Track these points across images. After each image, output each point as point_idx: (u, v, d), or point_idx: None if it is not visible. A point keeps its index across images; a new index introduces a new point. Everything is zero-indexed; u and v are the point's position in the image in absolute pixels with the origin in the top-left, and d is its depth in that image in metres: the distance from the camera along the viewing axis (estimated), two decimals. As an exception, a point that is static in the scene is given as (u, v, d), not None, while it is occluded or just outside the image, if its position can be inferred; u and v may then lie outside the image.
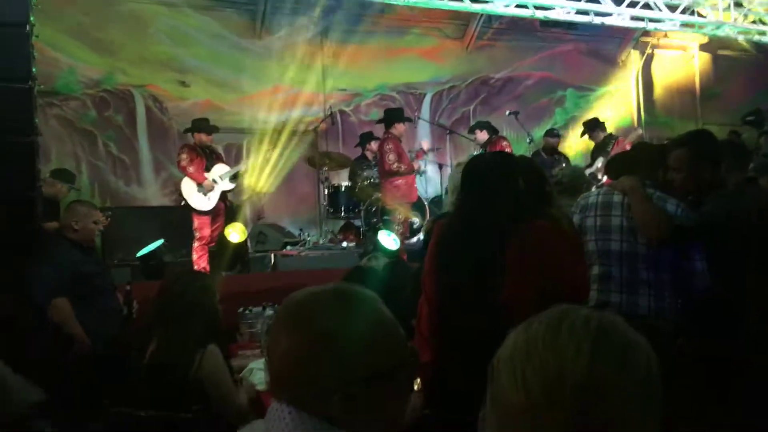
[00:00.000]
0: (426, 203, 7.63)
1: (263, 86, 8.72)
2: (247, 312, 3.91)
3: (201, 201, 6.16)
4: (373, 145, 7.57)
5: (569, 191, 3.54)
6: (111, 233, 6.10)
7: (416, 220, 7.50)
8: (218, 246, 6.40)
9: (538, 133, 8.83)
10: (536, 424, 0.72)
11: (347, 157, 7.98)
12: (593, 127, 7.78)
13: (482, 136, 7.52)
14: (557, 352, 0.74)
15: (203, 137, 6.32)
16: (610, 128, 9.83)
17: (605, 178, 5.49)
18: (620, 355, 0.75)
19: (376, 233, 5.92)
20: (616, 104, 10.88)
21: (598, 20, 8.08)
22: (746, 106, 10.08)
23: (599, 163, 7.18)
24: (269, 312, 3.71)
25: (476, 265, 2.24)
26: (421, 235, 6.89)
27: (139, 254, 5.78)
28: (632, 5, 7.97)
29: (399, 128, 6.69)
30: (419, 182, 8.04)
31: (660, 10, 8.12)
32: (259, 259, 6.76)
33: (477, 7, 7.69)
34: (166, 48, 8.26)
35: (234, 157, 8.18)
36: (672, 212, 2.66)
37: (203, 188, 6.13)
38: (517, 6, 7.69)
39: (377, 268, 3.73)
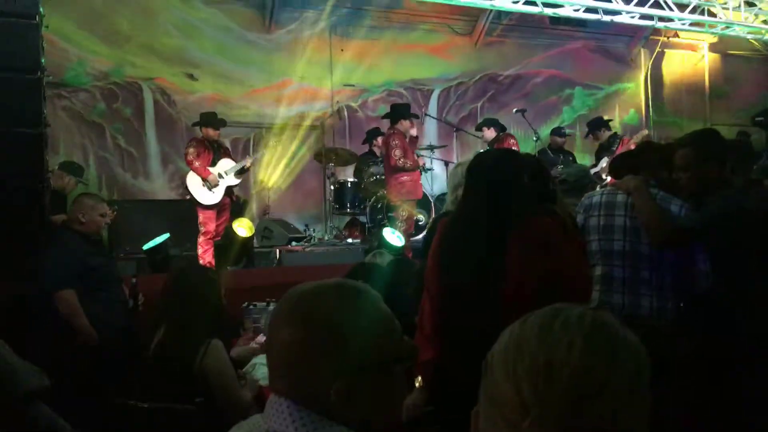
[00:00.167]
0: (432, 200, 7.63)
1: (271, 80, 8.73)
2: (251, 307, 3.92)
3: (206, 195, 6.18)
4: (380, 141, 7.56)
5: (574, 190, 3.54)
6: (118, 226, 6.14)
7: (422, 218, 7.50)
8: (224, 240, 6.42)
9: (546, 131, 8.81)
10: (528, 420, 0.73)
11: (354, 153, 7.99)
12: (597, 126, 7.74)
13: (490, 133, 7.50)
14: (549, 348, 0.74)
15: (210, 131, 6.32)
16: (618, 127, 9.82)
17: (610, 178, 5.47)
18: (612, 351, 0.75)
19: (381, 230, 5.92)
20: (625, 103, 10.84)
21: (607, 18, 8.04)
22: (756, 107, 10.04)
23: (604, 162, 7.15)
24: (273, 307, 3.71)
25: (478, 262, 2.24)
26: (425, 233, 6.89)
27: (145, 247, 5.82)
28: (641, 3, 7.93)
29: (405, 124, 6.67)
30: (425, 179, 8.04)
31: (670, 9, 8.07)
32: (265, 254, 6.79)
33: (486, 3, 7.67)
34: (175, 40, 8.28)
35: (241, 151, 8.21)
36: (675, 212, 2.66)
37: (208, 183, 6.15)
38: (526, 2, 7.66)
39: (381, 264, 3.73)
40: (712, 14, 8.41)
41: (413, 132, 6.75)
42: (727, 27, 8.57)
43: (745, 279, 2.59)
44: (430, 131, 9.35)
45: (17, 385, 2.01)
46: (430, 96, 9.71)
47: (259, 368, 2.90)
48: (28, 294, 3.77)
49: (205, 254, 6.14)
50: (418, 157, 7.02)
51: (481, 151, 6.56)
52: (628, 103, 10.85)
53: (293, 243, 7.11)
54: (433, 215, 7.27)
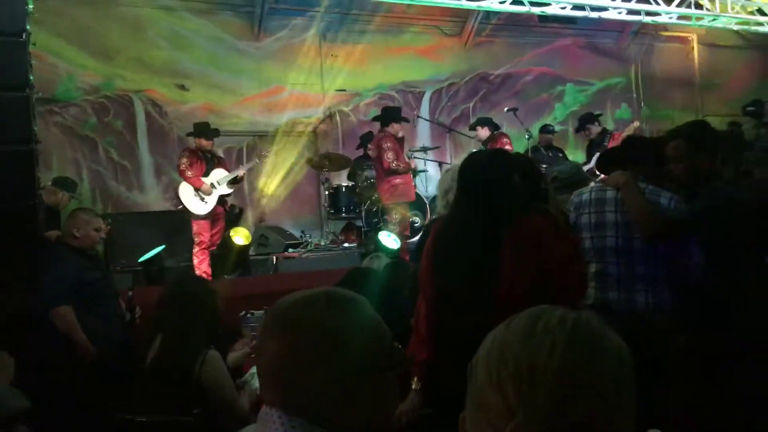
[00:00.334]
0: (427, 202, 7.63)
1: (262, 88, 8.74)
2: (249, 315, 3.91)
3: (198, 205, 6.18)
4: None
5: (567, 188, 3.54)
6: (113, 239, 6.13)
7: (418, 220, 7.51)
8: (221, 250, 6.42)
9: (538, 128, 8.83)
10: (513, 423, 0.73)
11: (347, 158, 7.99)
12: (588, 121, 7.77)
13: (484, 132, 7.51)
14: (531, 351, 0.75)
15: (203, 142, 6.34)
16: (610, 122, 9.84)
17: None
18: (594, 352, 0.76)
19: (377, 233, 5.93)
20: (617, 98, 10.87)
21: (594, 14, 8.07)
22: (746, 97, 10.06)
23: (596, 158, 7.17)
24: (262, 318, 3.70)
25: (472, 263, 2.25)
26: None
27: (140, 259, 5.81)
28: (628, -2, 7.96)
29: (395, 128, 6.69)
30: (419, 181, 8.05)
31: (657, 3, 8.10)
32: (261, 261, 6.78)
33: (473, 4, 7.69)
34: (165, 52, 8.28)
35: (234, 160, 8.20)
36: (665, 205, 2.66)
37: (201, 192, 6.15)
38: (513, 2, 7.69)
39: (378, 268, 3.73)
40: (699, 6, 8.44)
41: (400, 133, 6.78)
42: (714, 19, 8.60)
43: (738, 271, 2.60)
44: (423, 133, 9.37)
45: (2, 409, 2.01)
46: (422, 98, 9.73)
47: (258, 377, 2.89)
48: (25, 311, 3.76)
49: (201, 264, 6.13)
50: (408, 159, 7.03)
51: (474, 151, 6.57)
52: (620, 98, 10.89)
53: (290, 250, 7.10)
54: (429, 216, 7.28)
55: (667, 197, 2.68)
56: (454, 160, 8.27)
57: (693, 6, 8.37)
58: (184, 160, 6.25)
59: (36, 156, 3.97)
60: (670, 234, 2.62)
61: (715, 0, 8.29)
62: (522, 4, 7.71)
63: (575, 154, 8.95)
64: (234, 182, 6.45)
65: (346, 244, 7.45)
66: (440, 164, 8.25)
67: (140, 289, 4.58)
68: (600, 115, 8.19)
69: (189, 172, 6.17)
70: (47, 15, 7.09)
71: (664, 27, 9.87)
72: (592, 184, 2.99)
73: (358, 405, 1.02)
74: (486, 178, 2.34)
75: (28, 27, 3.98)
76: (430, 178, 8.37)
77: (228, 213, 6.75)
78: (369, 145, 7.85)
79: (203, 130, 6.38)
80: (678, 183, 2.79)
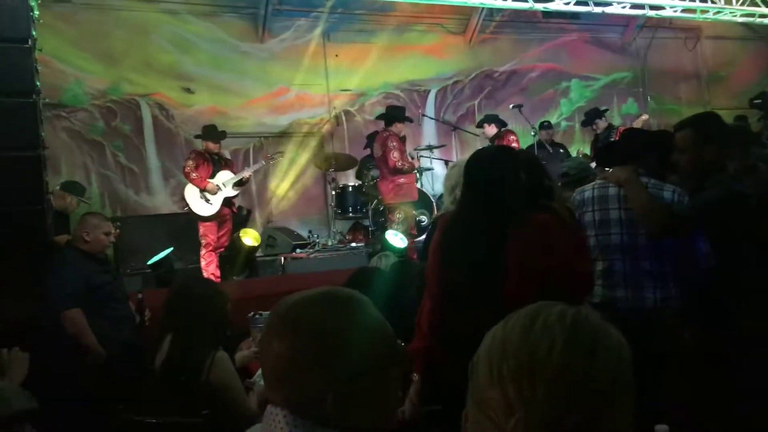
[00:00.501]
0: (434, 200, 7.63)
1: (267, 90, 8.76)
2: (257, 316, 3.93)
3: (203, 207, 6.22)
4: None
5: (577, 183, 3.52)
6: (122, 242, 6.17)
7: (425, 218, 7.51)
8: (229, 251, 6.45)
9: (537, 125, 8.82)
10: (513, 421, 0.74)
11: (353, 158, 8.01)
12: (595, 116, 7.76)
13: (491, 129, 7.51)
14: (531, 349, 0.75)
15: (210, 144, 6.39)
16: (617, 117, 9.81)
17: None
18: (593, 349, 0.76)
19: (384, 233, 5.93)
20: (623, 92, 10.81)
21: (598, 9, 8.04)
22: (753, 89, 10.01)
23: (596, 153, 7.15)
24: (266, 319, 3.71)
25: (478, 260, 2.25)
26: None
27: (149, 262, 5.85)
28: (632, -7, 7.93)
29: (399, 127, 6.71)
30: (426, 179, 8.05)
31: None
32: (269, 262, 6.80)
33: (477, 2, 7.69)
34: (170, 56, 8.33)
35: (241, 161, 8.24)
36: (669, 199, 2.64)
37: (206, 192, 6.19)
38: (516, -2, 7.68)
39: (385, 267, 3.73)
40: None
41: (402, 133, 6.81)
42: (719, 12, 8.55)
43: (743, 266, 2.58)
44: (428, 131, 9.36)
45: (4, 407, 2.03)
46: (427, 96, 9.72)
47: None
48: (34, 315, 3.80)
49: (209, 266, 6.17)
50: (412, 159, 7.04)
51: (479, 148, 6.56)
52: (626, 93, 10.83)
53: (297, 250, 7.12)
54: (435, 214, 7.28)
55: (670, 191, 2.67)
56: (455, 161, 8.26)
57: (697, -1, 8.33)
58: (190, 162, 6.30)
59: (44, 161, 4.00)
60: (676, 231, 2.60)
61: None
62: (525, 0, 7.69)
63: (582, 149, 8.94)
64: (240, 184, 6.48)
65: (353, 244, 7.46)
66: (446, 162, 8.24)
67: (149, 292, 4.61)
68: (606, 110, 8.16)
69: (194, 174, 6.21)
70: (53, 21, 7.15)
71: (669, 20, 9.80)
72: (597, 180, 2.97)
73: (362, 404, 1.02)
74: (491, 175, 2.34)
75: (33, 33, 4.02)
76: (436, 177, 8.37)
77: (236, 215, 6.77)
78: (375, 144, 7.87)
79: (209, 133, 6.42)
80: (683, 174, 2.76)
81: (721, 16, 8.75)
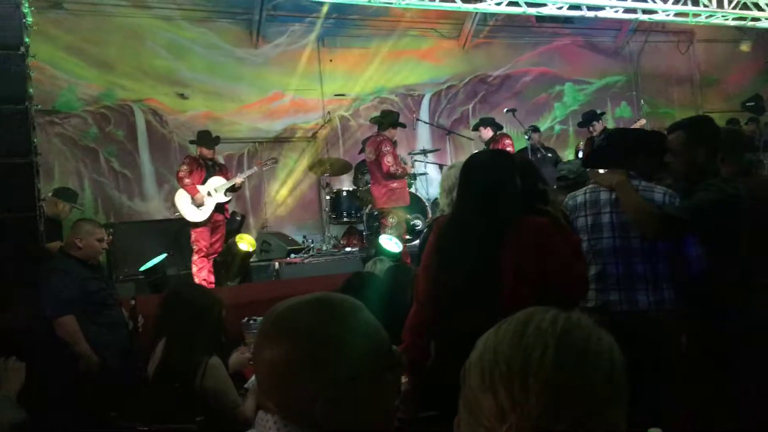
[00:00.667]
0: (428, 205, 7.64)
1: (261, 95, 8.77)
2: (251, 322, 3.92)
3: (194, 213, 6.21)
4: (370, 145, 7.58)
5: (575, 186, 3.52)
6: (116, 248, 6.15)
7: (419, 222, 7.51)
8: (223, 257, 6.43)
9: (540, 128, 8.84)
10: (505, 427, 0.73)
11: (348, 163, 8.01)
12: (593, 118, 7.80)
13: (486, 133, 7.51)
14: (523, 353, 0.75)
15: (204, 150, 6.39)
16: (611, 121, 9.84)
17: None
18: (585, 354, 0.76)
19: (378, 238, 5.93)
20: (616, 96, 10.86)
21: (591, 14, 8.08)
22: (745, 92, 10.07)
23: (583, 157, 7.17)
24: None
25: (474, 263, 2.25)
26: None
27: (142, 268, 5.83)
28: (624, -3, 7.97)
29: (392, 132, 6.73)
30: (420, 183, 8.06)
31: (653, 0, 8.11)
32: (264, 268, 6.78)
33: (470, 7, 7.71)
34: (164, 61, 8.32)
35: (235, 166, 8.23)
36: (660, 201, 2.65)
37: (195, 200, 6.18)
38: (510, 3, 7.70)
39: (380, 272, 3.73)
40: (696, 3, 8.44)
41: (395, 138, 6.84)
42: (711, 15, 8.60)
43: (735, 268, 2.59)
44: (423, 135, 9.38)
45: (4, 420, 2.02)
46: (422, 101, 9.74)
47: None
48: (27, 322, 3.78)
49: (200, 272, 6.15)
50: (404, 164, 7.05)
51: (476, 152, 6.58)
52: (620, 96, 10.88)
53: (292, 255, 7.11)
54: (429, 218, 7.28)
55: (661, 192, 2.67)
56: (451, 163, 8.27)
57: (690, 3, 8.37)
58: (184, 167, 6.30)
59: (36, 168, 3.99)
60: (669, 234, 2.61)
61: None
62: (518, 5, 7.73)
63: (572, 154, 8.98)
64: (232, 190, 6.46)
65: (348, 249, 7.45)
66: (440, 167, 8.25)
67: (143, 298, 4.59)
68: (603, 113, 8.21)
69: (187, 179, 6.21)
70: (46, 27, 7.13)
71: (662, 24, 9.86)
72: (589, 185, 2.97)
73: (354, 410, 1.01)
74: (488, 179, 2.35)
75: (26, 40, 4.02)
76: (430, 181, 8.38)
77: (229, 221, 6.76)
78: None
79: (203, 138, 6.42)
80: (675, 176, 2.77)
81: (713, 20, 8.81)
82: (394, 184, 6.64)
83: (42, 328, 3.67)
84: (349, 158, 8.24)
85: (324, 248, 7.51)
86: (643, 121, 8.27)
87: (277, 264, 6.62)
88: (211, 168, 6.43)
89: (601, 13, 8.17)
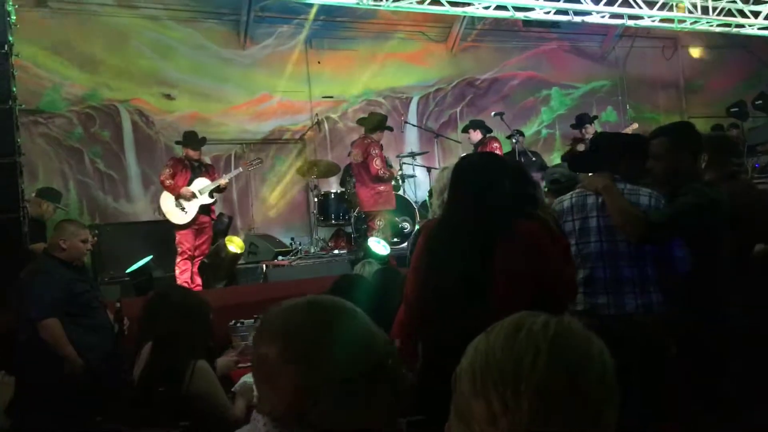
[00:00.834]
0: (416, 207, 7.65)
1: (249, 96, 8.74)
2: (238, 325, 3.90)
3: (178, 215, 6.16)
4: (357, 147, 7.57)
5: (567, 191, 3.53)
6: (100, 250, 6.09)
7: (407, 225, 7.52)
8: (212, 259, 6.38)
9: (526, 132, 8.88)
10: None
11: (336, 165, 7.99)
12: (585, 120, 7.89)
13: (476, 135, 7.55)
14: (515, 358, 0.75)
15: (190, 151, 6.33)
16: (597, 125, 9.90)
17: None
18: (576, 359, 0.76)
19: (367, 240, 5.92)
20: (602, 101, 10.95)
21: (578, 19, 8.14)
22: (729, 98, 10.19)
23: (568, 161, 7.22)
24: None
25: (465, 267, 2.25)
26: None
27: (128, 270, 5.77)
28: (611, 3, 8.04)
29: (379, 135, 6.74)
30: (408, 186, 8.07)
31: (639, 6, 8.19)
32: (251, 270, 6.74)
33: (457, 10, 7.75)
34: (150, 61, 8.26)
35: (222, 168, 8.19)
36: (646, 204, 2.67)
37: (180, 202, 6.13)
38: (497, 7, 7.75)
39: (368, 275, 3.72)
40: (681, 9, 8.54)
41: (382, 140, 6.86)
42: (696, 21, 8.70)
43: (719, 271, 2.62)
44: (411, 138, 9.39)
45: None
46: (409, 103, 9.76)
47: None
48: (10, 324, 3.73)
49: (182, 274, 6.10)
50: (390, 168, 7.05)
51: (467, 154, 6.59)
52: (605, 101, 10.97)
53: (279, 257, 7.08)
54: (417, 222, 7.30)
55: (646, 195, 2.70)
56: (443, 165, 8.29)
57: (675, 9, 8.47)
58: (167, 170, 6.26)
59: (20, 168, 3.94)
60: (655, 238, 2.63)
61: (697, 2, 8.38)
62: (506, 9, 7.77)
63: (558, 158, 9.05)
64: (217, 191, 6.41)
65: (336, 251, 7.44)
66: (429, 169, 8.27)
67: (128, 301, 4.54)
68: (596, 117, 8.29)
69: (169, 182, 6.16)
70: (31, 26, 7.05)
71: (647, 30, 9.96)
72: (576, 189, 2.98)
73: (349, 411, 1.02)
74: (478, 180, 2.35)
75: (10, 38, 3.97)
76: (418, 184, 8.39)
77: (216, 222, 6.71)
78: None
79: (188, 139, 6.37)
80: (657, 181, 2.80)
81: (698, 26, 8.91)
82: (381, 188, 6.65)
83: (26, 331, 3.62)
84: (336, 160, 8.23)
85: (312, 250, 7.49)
86: (635, 126, 8.35)
87: (264, 266, 6.59)
88: (197, 169, 6.37)
89: (587, 18, 8.24)
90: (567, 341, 0.77)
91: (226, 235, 6.93)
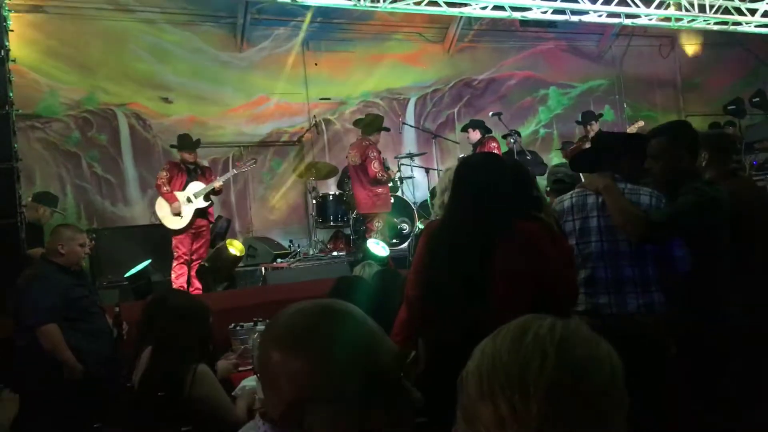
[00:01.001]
0: (415, 208, 7.64)
1: (246, 99, 8.73)
2: (238, 328, 3.88)
3: (173, 220, 6.15)
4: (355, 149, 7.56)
5: (570, 190, 3.52)
6: (99, 254, 6.07)
7: (406, 226, 7.51)
8: (212, 262, 6.36)
9: (524, 132, 8.90)
10: (506, 437, 0.72)
11: (334, 167, 7.99)
12: (591, 117, 7.90)
13: (475, 135, 7.55)
14: (522, 362, 0.74)
15: (185, 155, 6.32)
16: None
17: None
18: (584, 361, 0.75)
19: (366, 242, 5.91)
20: (599, 100, 10.95)
21: (575, 18, 8.14)
22: (727, 96, 10.21)
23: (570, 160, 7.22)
24: (260, 327, 3.68)
25: (466, 266, 2.24)
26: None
27: (127, 275, 5.75)
28: (607, 2, 8.04)
29: (377, 137, 6.73)
30: (407, 187, 8.06)
31: (636, 5, 8.19)
32: (250, 273, 6.73)
33: (454, 11, 7.74)
34: (147, 65, 8.25)
35: (220, 170, 8.17)
36: (647, 203, 2.66)
37: (172, 209, 6.12)
38: (494, 8, 7.74)
39: (368, 277, 3.71)
40: (678, 7, 8.55)
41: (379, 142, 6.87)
42: (693, 20, 8.71)
43: (720, 269, 2.62)
44: (408, 139, 9.38)
45: None
46: (407, 104, 9.76)
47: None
48: (9, 330, 3.71)
49: (178, 279, 6.09)
50: (387, 170, 7.05)
51: (468, 154, 6.58)
52: (603, 100, 10.97)
53: (278, 260, 7.06)
54: (416, 223, 7.29)
55: (647, 194, 2.69)
56: (441, 165, 8.30)
57: (672, 7, 8.47)
58: (163, 174, 6.24)
59: (17, 173, 3.92)
60: (656, 238, 2.62)
61: (694, 0, 8.39)
62: (503, 9, 7.77)
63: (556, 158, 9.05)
64: (213, 193, 6.38)
65: (334, 253, 7.43)
66: (427, 170, 8.27)
67: (127, 305, 4.53)
68: (601, 114, 8.28)
69: (165, 188, 6.15)
70: (27, 30, 7.05)
71: (644, 29, 9.98)
72: (576, 189, 2.97)
73: (351, 415, 1.00)
74: (480, 181, 2.34)
75: (6, 43, 3.95)
76: (417, 185, 8.38)
77: (215, 225, 6.69)
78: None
79: (182, 143, 6.36)
80: (656, 181, 2.80)
81: (695, 24, 8.92)
82: (379, 190, 6.65)
83: (24, 336, 3.60)
84: (334, 162, 8.22)
85: (311, 253, 7.48)
86: (641, 123, 8.32)
87: (263, 269, 6.57)
88: (193, 172, 6.35)
89: (585, 18, 8.24)
90: (574, 344, 0.76)
91: (224, 238, 6.91)
